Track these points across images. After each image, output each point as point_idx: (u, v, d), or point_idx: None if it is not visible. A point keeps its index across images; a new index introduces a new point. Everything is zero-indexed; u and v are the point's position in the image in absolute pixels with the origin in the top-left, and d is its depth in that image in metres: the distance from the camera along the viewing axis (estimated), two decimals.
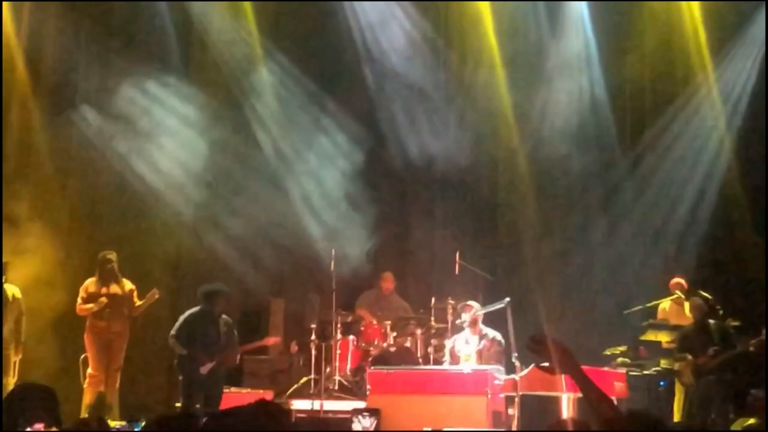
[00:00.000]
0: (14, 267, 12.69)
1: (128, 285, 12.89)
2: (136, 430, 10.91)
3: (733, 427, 11.10)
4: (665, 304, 13.32)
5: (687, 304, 13.13)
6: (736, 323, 12.38)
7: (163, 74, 14.56)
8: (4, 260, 12.48)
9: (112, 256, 12.83)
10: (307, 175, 15.19)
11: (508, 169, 15.27)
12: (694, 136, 14.94)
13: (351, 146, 15.06)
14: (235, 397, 11.86)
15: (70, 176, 14.34)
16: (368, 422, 8.97)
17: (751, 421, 11.00)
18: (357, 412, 9.56)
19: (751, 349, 11.76)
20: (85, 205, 14.42)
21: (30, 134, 14.16)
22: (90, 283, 12.77)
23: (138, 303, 12.79)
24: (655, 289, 13.60)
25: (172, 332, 11.80)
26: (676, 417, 12.14)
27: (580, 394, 11.06)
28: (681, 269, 13.78)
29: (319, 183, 15.16)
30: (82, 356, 12.71)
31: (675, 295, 13.22)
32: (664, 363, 12.63)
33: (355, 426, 8.62)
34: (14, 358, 12.40)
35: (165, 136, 14.62)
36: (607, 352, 12.88)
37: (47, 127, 14.17)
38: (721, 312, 12.53)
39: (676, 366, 12.48)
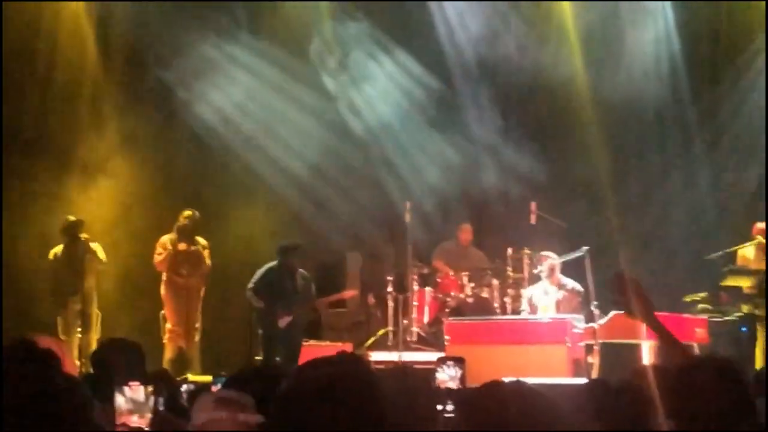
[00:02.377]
0: (88, 222, 12.95)
1: (202, 242, 13.03)
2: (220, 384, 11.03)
3: None
4: (745, 250, 13.09)
5: None
6: None
7: (235, 31, 14.64)
8: (79, 218, 12.74)
9: (193, 213, 12.95)
10: (380, 125, 15.13)
11: (583, 114, 15.07)
12: None
13: (421, 95, 15.04)
14: (314, 349, 11.95)
15: (142, 130, 14.40)
16: (453, 371, 8.92)
17: None
18: (442, 361, 9.56)
19: None
20: (159, 160, 14.53)
21: (102, 92, 14.29)
22: (167, 240, 12.92)
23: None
24: (736, 235, 13.39)
25: (250, 286, 11.95)
26: (759, 362, 11.98)
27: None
28: (762, 215, 13.50)
29: (390, 133, 15.11)
30: (161, 312, 12.89)
31: (756, 240, 12.98)
32: (745, 308, 12.46)
33: (440, 375, 8.58)
34: (97, 313, 12.74)
35: (240, 94, 14.70)
36: (688, 299, 12.74)
37: (120, 85, 14.33)
38: None
39: (758, 311, 12.30)
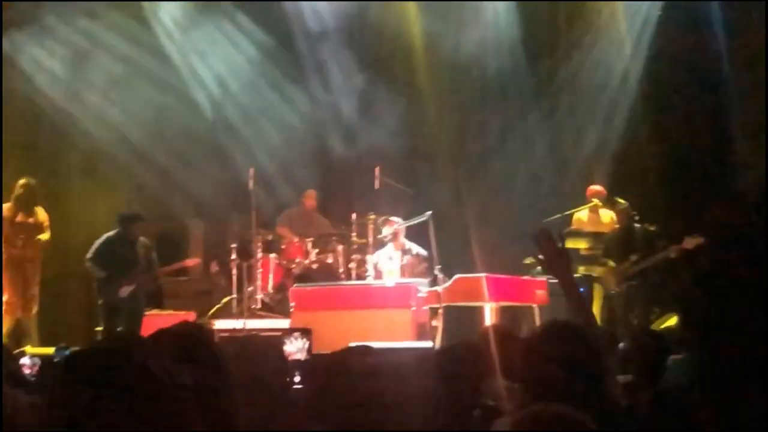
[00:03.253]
0: None
1: (42, 214, 12.65)
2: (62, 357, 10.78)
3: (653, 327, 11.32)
4: (580, 213, 13.44)
5: (603, 212, 13.31)
6: (652, 229, 12.53)
7: None
8: None
9: (28, 182, 12.56)
10: (222, 91, 14.98)
11: (424, 79, 15.19)
12: (605, 53, 15.02)
13: (262, 59, 14.93)
14: (156, 319, 11.78)
15: None
16: (300, 343, 8.88)
17: (672, 320, 11.27)
18: (288, 332, 9.48)
19: (673, 255, 11.90)
20: None
21: None
22: (4, 209, 12.52)
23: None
24: (573, 198, 13.73)
25: (88, 255, 11.71)
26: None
27: (502, 303, 11.20)
28: (597, 179, 13.89)
29: (232, 98, 14.98)
30: None
31: (591, 203, 13.34)
32: (582, 270, 12.79)
33: (288, 347, 8.55)
34: None
35: (77, 59, 14.30)
36: (527, 261, 12.99)
37: None
38: (637, 218, 12.70)
39: (597, 272, 12.66)
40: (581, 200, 13.46)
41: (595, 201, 13.27)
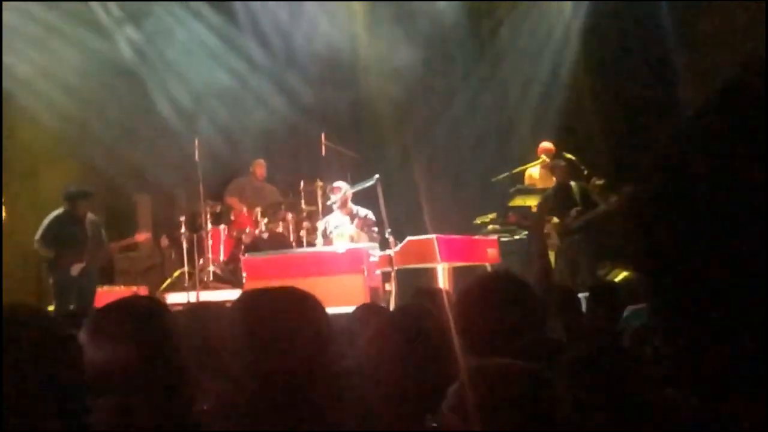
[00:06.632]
0: None
1: None
2: None
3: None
4: (532, 170, 13.50)
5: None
6: (600, 182, 12.58)
7: None
8: None
9: None
10: (163, 62, 14.82)
11: (367, 47, 15.12)
12: (546, 9, 15.06)
13: (201, 27, 14.80)
14: (108, 294, 11.67)
15: None
16: None
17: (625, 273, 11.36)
18: None
19: (612, 207, 11.97)
20: None
21: None
22: None
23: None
24: (521, 155, 13.78)
25: (37, 236, 11.57)
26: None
27: (454, 264, 11.23)
28: (545, 136, 13.93)
29: (173, 69, 14.82)
30: None
31: (541, 160, 13.39)
32: None
33: None
34: None
35: (18, 39, 14.05)
36: (478, 221, 13.04)
37: None
38: (585, 172, 12.76)
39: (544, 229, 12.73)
40: (529, 159, 13.51)
41: (544, 157, 13.32)
